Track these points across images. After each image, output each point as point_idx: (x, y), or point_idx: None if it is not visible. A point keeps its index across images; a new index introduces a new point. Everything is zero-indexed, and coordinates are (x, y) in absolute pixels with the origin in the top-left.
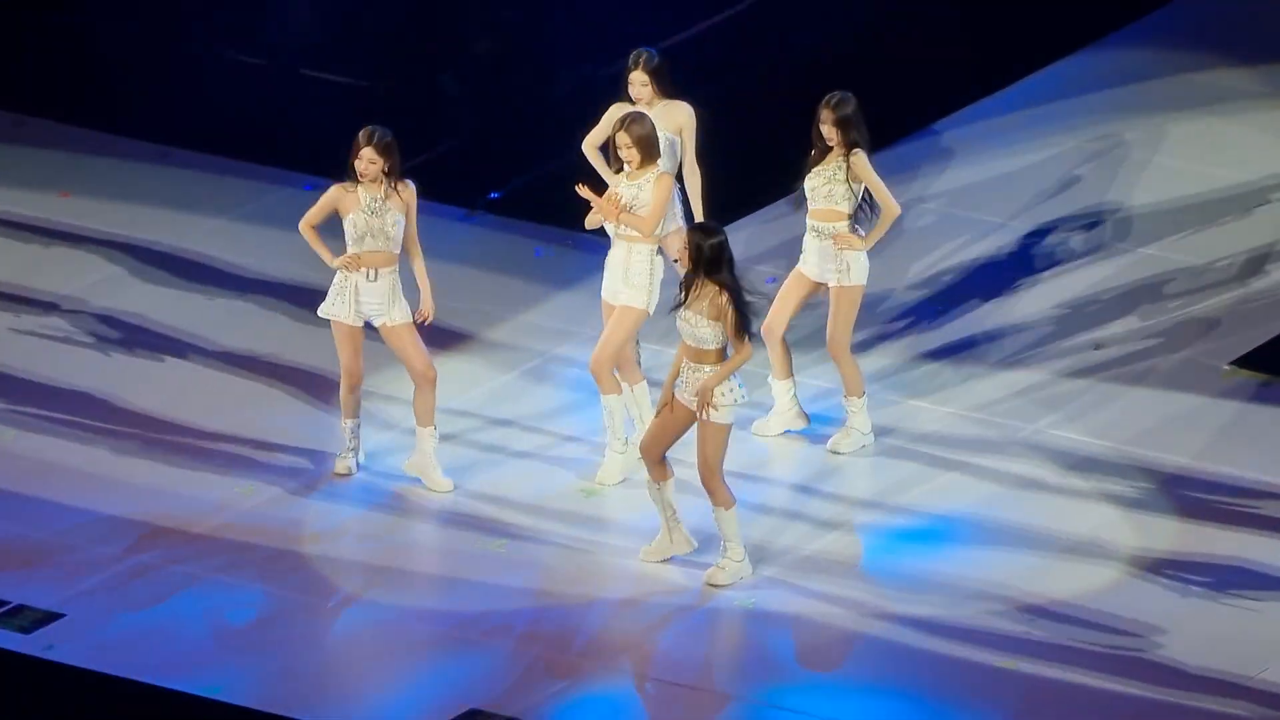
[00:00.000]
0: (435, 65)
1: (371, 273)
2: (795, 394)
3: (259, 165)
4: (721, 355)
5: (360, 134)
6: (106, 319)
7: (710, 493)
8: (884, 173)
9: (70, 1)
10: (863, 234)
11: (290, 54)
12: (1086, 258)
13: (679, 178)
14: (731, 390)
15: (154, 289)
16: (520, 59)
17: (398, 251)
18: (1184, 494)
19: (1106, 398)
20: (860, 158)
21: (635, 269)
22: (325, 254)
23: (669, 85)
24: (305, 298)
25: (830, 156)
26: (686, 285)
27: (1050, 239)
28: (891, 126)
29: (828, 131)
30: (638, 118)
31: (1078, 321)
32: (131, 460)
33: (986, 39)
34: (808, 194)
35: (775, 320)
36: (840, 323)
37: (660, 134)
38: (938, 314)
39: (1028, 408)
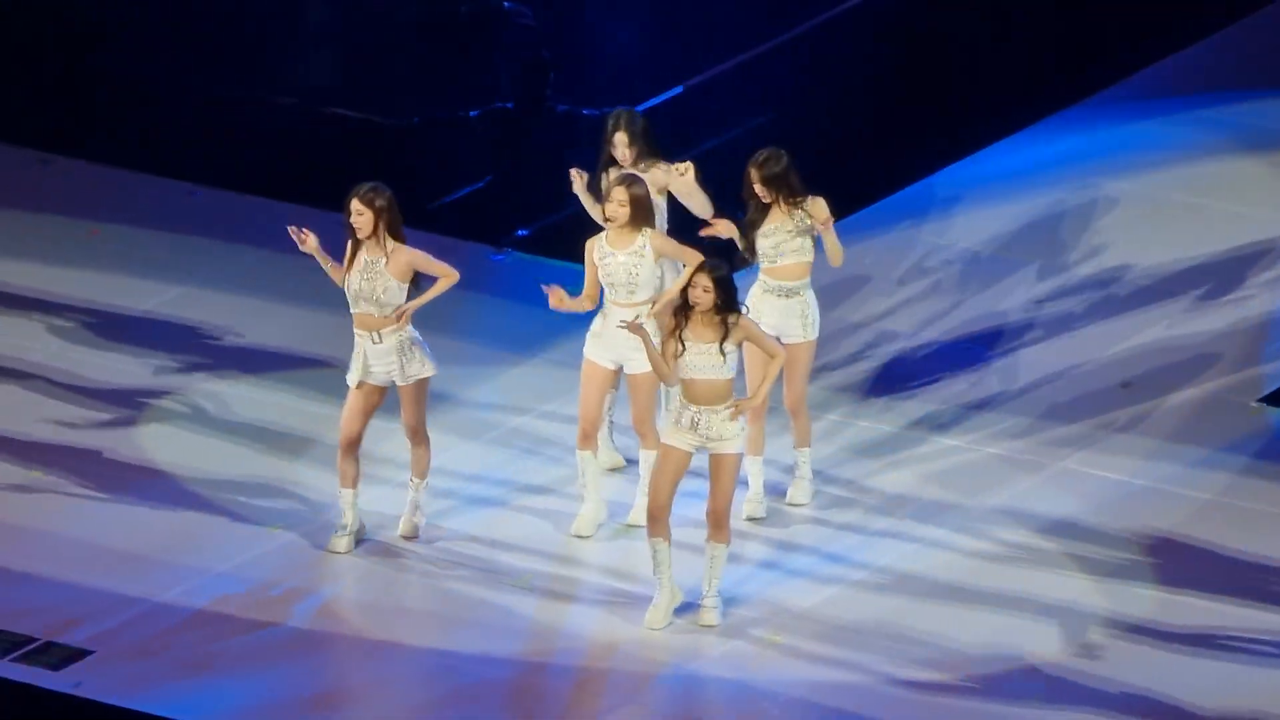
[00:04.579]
0: (464, 103)
1: (375, 335)
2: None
3: (285, 202)
4: (733, 386)
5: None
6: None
7: (721, 530)
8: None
9: (98, 42)
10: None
11: (316, 92)
12: (1101, 305)
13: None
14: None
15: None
16: (548, 96)
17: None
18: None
19: (1137, 437)
20: (819, 203)
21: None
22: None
23: (653, 145)
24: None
25: (774, 213)
26: (679, 327)
27: (1060, 285)
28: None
29: (760, 190)
30: (635, 179)
31: (1105, 365)
32: (152, 508)
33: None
34: (764, 255)
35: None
36: (804, 377)
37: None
38: (956, 363)
39: (1061, 442)
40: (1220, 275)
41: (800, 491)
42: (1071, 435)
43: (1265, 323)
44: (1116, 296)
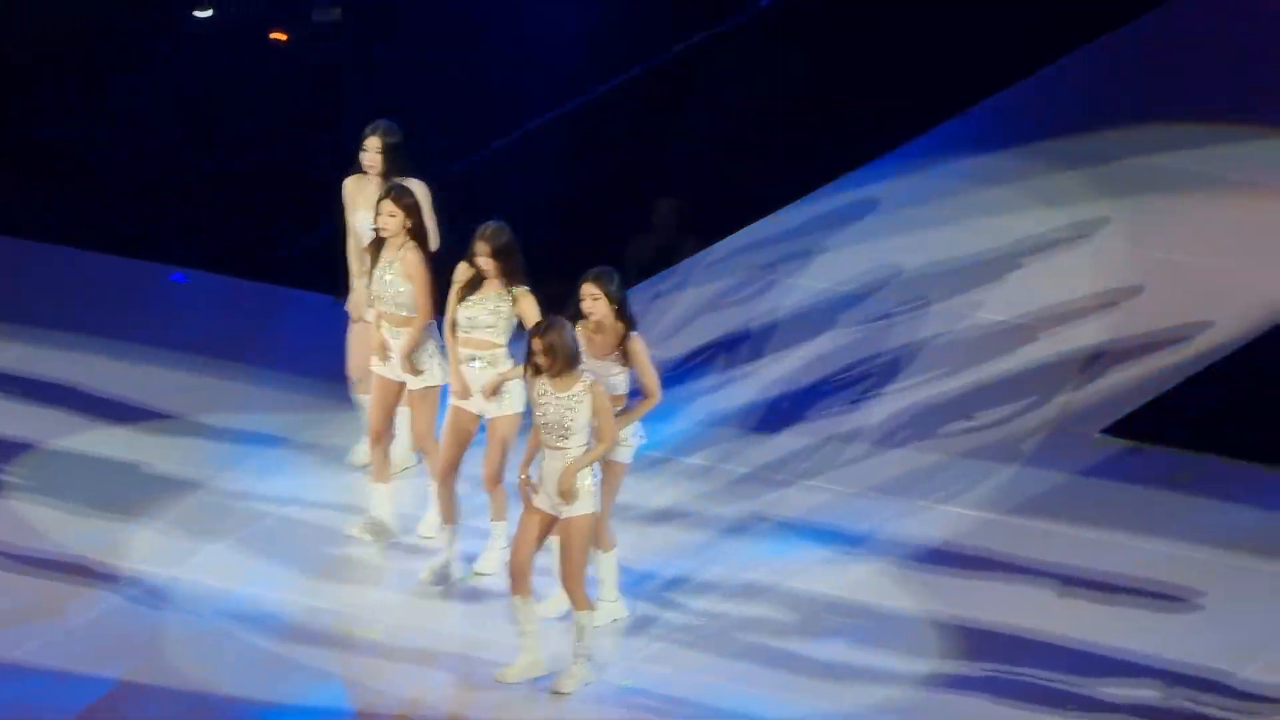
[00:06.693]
0: (313, 155)
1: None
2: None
3: (130, 258)
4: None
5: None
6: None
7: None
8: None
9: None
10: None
11: (167, 144)
12: (941, 339)
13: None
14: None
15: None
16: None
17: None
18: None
19: (980, 469)
20: (528, 299)
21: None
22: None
23: (403, 162)
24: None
25: (488, 286)
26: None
27: (899, 319)
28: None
29: (484, 264)
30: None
31: (949, 397)
32: None
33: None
34: (463, 321)
35: (449, 467)
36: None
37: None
38: (801, 402)
39: (906, 482)
40: (1055, 305)
41: (489, 560)
42: (917, 468)
43: (1099, 353)
44: (957, 330)
